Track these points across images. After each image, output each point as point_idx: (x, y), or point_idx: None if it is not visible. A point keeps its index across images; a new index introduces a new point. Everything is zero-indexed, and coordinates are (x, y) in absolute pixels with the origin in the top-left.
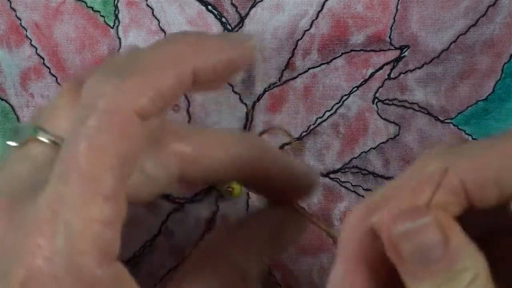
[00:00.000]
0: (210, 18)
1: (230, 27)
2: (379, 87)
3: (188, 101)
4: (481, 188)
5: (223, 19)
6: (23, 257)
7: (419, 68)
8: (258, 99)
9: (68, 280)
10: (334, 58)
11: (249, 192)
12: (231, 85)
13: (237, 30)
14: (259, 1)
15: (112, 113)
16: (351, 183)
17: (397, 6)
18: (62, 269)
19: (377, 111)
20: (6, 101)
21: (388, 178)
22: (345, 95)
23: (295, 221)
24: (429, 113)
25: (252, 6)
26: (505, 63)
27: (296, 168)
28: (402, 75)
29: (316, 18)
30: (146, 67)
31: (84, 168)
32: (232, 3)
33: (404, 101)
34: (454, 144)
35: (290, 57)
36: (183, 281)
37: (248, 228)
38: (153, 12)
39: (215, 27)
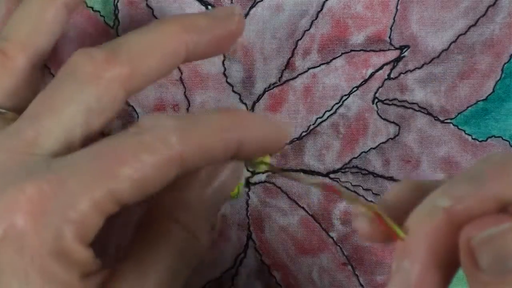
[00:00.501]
0: None
1: None
2: (379, 87)
3: (188, 101)
4: None
5: None
6: (1, 216)
7: (419, 68)
8: (258, 99)
9: (49, 242)
10: (334, 58)
11: (249, 193)
12: (231, 85)
13: None
14: (259, 1)
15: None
16: (351, 183)
17: (397, 6)
18: (47, 231)
19: (377, 111)
20: None
21: (388, 178)
22: (345, 95)
23: (229, 170)
24: (429, 113)
25: (252, 6)
26: (505, 63)
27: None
28: (402, 75)
29: (316, 18)
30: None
31: (108, 164)
32: (232, 3)
33: (404, 101)
34: None
35: (290, 57)
36: (139, 250)
37: (190, 190)
38: (153, 12)
39: None
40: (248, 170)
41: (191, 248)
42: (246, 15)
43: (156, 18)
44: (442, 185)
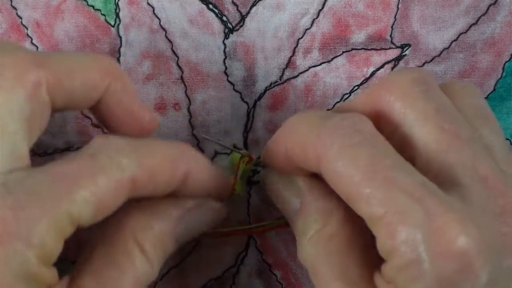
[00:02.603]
0: (211, 16)
1: (230, 26)
2: None
3: (189, 100)
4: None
5: (224, 18)
6: None
7: (420, 66)
8: (259, 98)
9: (15, 268)
10: (335, 57)
11: (250, 192)
12: (232, 84)
13: (238, 29)
14: (260, 0)
15: None
16: None
17: (398, 4)
18: (13, 257)
19: None
20: None
21: None
22: (346, 93)
23: (206, 210)
24: None
25: (253, 5)
26: (506, 62)
27: None
28: None
29: (317, 17)
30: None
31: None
32: (233, 2)
33: None
34: None
35: (291, 56)
36: (101, 267)
37: (159, 218)
38: (154, 11)
39: (216, 25)
40: (250, 170)
41: (146, 275)
42: (247, 14)
43: (157, 16)
44: None
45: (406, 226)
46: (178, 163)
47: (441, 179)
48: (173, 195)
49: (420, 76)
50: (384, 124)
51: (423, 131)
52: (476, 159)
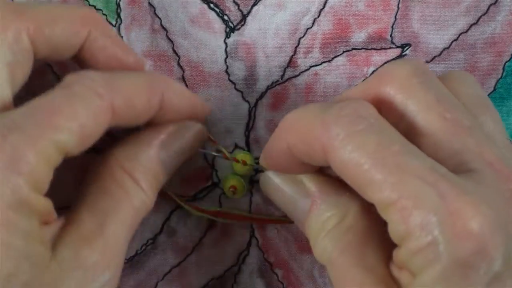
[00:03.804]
0: (212, 16)
1: (232, 25)
2: None
3: None
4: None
5: (225, 17)
6: None
7: None
8: (261, 97)
9: (7, 195)
10: (336, 56)
11: (252, 190)
12: (233, 83)
13: (239, 28)
14: None
15: None
16: None
17: (398, 4)
18: (3, 185)
19: None
20: None
21: None
22: None
23: (190, 133)
24: None
25: (254, 4)
26: (506, 62)
27: None
28: None
29: (318, 16)
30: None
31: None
32: (234, 1)
33: None
34: None
35: (292, 55)
36: (95, 199)
37: (145, 145)
38: (155, 11)
39: (217, 25)
40: (255, 171)
41: (143, 204)
42: (248, 13)
43: (158, 16)
44: None
45: (421, 210)
46: (154, 88)
47: (450, 165)
48: (152, 124)
49: (417, 66)
50: (386, 115)
51: (426, 121)
52: (480, 146)
